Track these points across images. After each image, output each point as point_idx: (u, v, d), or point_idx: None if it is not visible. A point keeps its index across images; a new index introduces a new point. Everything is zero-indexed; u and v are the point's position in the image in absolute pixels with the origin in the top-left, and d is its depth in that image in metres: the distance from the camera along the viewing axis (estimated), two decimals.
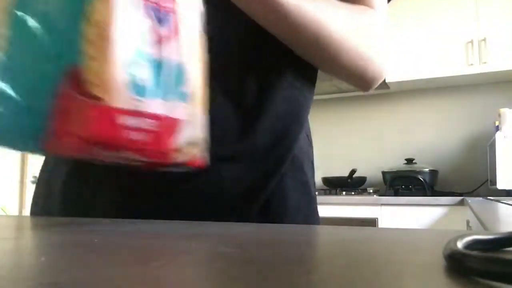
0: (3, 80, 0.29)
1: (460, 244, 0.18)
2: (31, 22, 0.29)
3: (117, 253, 0.24)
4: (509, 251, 0.22)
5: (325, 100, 2.98)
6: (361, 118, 2.94)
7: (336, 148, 2.98)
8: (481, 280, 0.15)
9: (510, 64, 2.35)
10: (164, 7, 0.31)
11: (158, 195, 0.47)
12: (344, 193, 2.58)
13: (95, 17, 0.28)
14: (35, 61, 0.30)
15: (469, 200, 1.93)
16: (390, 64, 2.55)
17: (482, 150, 2.59)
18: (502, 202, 1.73)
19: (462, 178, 2.66)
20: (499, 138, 2.16)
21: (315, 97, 0.59)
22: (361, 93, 2.87)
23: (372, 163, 2.86)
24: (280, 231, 0.33)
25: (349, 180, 2.66)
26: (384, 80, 2.58)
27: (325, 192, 2.67)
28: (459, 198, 2.16)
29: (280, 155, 0.51)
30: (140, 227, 0.35)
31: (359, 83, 0.56)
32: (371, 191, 2.56)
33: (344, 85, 2.70)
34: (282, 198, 0.52)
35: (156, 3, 0.31)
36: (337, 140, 2.98)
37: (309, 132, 0.61)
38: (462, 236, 0.20)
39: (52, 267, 0.19)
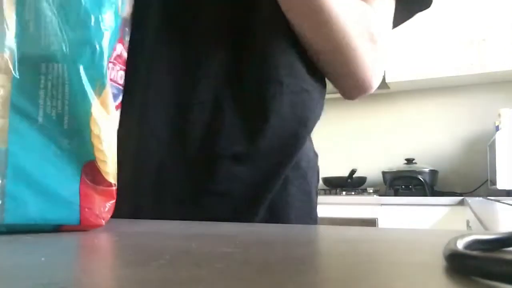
0: None
1: (460, 244, 0.18)
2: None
3: (117, 253, 0.24)
4: (509, 251, 0.22)
5: (325, 100, 2.97)
6: (361, 118, 2.93)
7: (336, 148, 2.97)
8: (481, 280, 0.15)
9: (510, 64, 2.34)
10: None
11: (180, 200, 0.49)
12: (344, 193, 2.58)
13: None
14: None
15: (469, 200, 1.93)
16: (388, 66, 2.55)
17: (482, 150, 2.59)
18: (502, 202, 1.73)
19: (462, 178, 2.66)
20: (499, 138, 2.16)
21: None
22: None
23: (372, 163, 2.86)
24: (280, 231, 0.33)
25: (349, 180, 2.66)
26: (384, 80, 2.57)
27: (325, 192, 2.66)
28: (459, 198, 2.16)
29: (283, 157, 0.51)
30: (141, 227, 0.35)
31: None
32: (371, 191, 2.56)
33: None
34: (286, 205, 0.52)
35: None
36: (337, 140, 2.98)
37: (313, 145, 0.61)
38: (462, 236, 0.20)
39: (52, 267, 0.19)
